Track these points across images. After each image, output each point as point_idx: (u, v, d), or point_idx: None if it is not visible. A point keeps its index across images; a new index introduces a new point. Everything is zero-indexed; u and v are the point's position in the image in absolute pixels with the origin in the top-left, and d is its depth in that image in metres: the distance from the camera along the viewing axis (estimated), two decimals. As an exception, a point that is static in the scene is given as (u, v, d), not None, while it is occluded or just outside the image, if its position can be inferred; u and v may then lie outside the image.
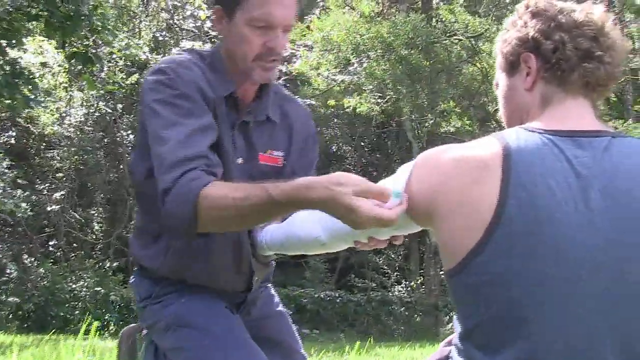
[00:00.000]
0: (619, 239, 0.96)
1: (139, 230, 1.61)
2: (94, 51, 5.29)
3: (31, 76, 5.24)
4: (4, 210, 6.69)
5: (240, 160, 1.50)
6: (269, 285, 1.77)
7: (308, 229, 1.31)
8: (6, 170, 7.33)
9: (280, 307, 1.74)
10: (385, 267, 14.81)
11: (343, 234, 1.23)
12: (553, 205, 0.96)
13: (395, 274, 14.90)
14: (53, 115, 13.00)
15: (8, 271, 12.19)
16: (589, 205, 0.97)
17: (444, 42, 10.07)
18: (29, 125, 13.53)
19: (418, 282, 14.41)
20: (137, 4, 13.01)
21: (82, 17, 4.93)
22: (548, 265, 0.95)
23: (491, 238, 0.96)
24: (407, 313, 13.46)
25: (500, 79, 1.20)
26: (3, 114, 12.83)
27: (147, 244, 1.55)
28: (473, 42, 10.65)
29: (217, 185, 1.28)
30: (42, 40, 9.36)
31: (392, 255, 14.86)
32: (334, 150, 15.99)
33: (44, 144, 14.39)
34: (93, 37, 5.18)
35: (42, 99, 5.42)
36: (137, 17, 13.50)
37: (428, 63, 9.70)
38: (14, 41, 5.04)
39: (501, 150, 0.99)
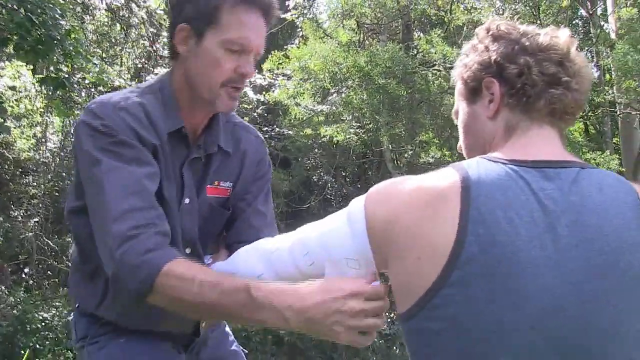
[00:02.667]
0: (586, 282, 0.86)
1: (74, 266, 1.49)
2: (66, 76, 5.19)
3: (0, 101, 5.11)
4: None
5: (187, 201, 1.40)
6: (223, 323, 1.65)
7: (250, 267, 1.20)
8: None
9: (235, 347, 1.63)
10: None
11: (292, 277, 1.11)
12: (516, 243, 0.86)
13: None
14: (29, 140, 12.83)
15: (-24, 300, 11.80)
16: (557, 244, 0.87)
17: (422, 72, 10.11)
18: (4, 151, 13.29)
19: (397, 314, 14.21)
20: (117, 31, 12.97)
21: (55, 42, 4.84)
22: (507, 311, 0.84)
23: (447, 280, 0.85)
24: (386, 345, 13.24)
25: (460, 107, 1.12)
26: (-22, 140, 12.60)
27: (82, 281, 1.43)
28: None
29: (183, 265, 1.15)
30: (20, 65, 9.24)
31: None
32: (315, 180, 15.90)
33: (20, 170, 14.11)
34: (65, 63, 5.07)
35: (11, 124, 5.28)
36: (119, 44, 13.45)
37: (406, 92, 9.72)
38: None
39: (460, 181, 0.90)
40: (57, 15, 4.78)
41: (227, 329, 1.65)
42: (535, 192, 0.90)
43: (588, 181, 0.93)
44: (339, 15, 10.89)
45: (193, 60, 1.36)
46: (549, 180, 0.92)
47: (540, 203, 0.89)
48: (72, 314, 1.52)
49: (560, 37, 1.04)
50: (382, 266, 0.99)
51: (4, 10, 4.81)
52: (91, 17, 11.54)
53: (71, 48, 4.82)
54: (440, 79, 11.06)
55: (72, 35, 4.99)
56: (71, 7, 7.65)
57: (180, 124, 1.37)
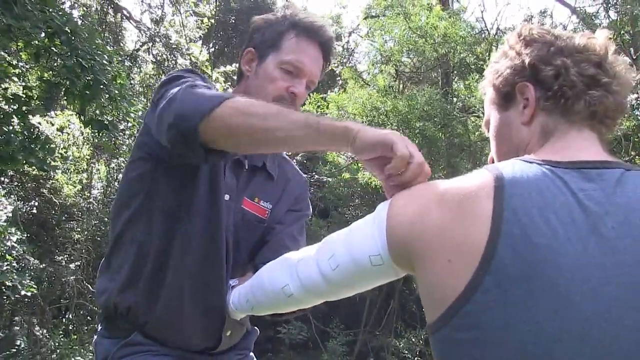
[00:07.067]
0: (637, 287, 0.79)
1: (107, 266, 1.49)
2: (110, 119, 5.36)
3: (48, 143, 5.29)
4: (9, 287, 6.46)
5: (227, 197, 1.42)
6: (250, 353, 1.61)
7: (275, 278, 1.16)
8: (15, 245, 7.14)
9: None
10: (406, 352, 14.19)
11: (317, 286, 1.06)
12: (555, 245, 0.79)
13: (416, 359, 14.25)
14: (75, 187, 13.24)
15: (18, 342, 11.96)
16: (602, 246, 0.80)
17: (462, 118, 10.05)
18: (52, 196, 13.69)
19: (439, 368, 13.72)
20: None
21: (101, 86, 5.02)
22: (548, 319, 0.76)
23: (480, 284, 0.78)
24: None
25: (491, 116, 1.06)
26: (29, 185, 13.03)
27: (113, 276, 1.43)
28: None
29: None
30: (71, 115, 9.65)
31: (413, 339, 14.30)
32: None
33: (65, 215, 14.47)
34: (110, 106, 5.25)
35: (58, 164, 5.43)
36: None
37: (444, 136, 9.64)
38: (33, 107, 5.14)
39: (493, 180, 0.85)
40: (104, 62, 4.98)
41: (252, 354, 1.61)
42: (575, 192, 0.84)
43: (634, 182, 0.87)
44: (378, 63, 11.01)
45: (253, 79, 1.49)
46: (589, 181, 0.86)
47: (581, 204, 0.83)
48: (94, 336, 1.51)
49: (598, 38, 0.99)
50: (404, 267, 0.94)
51: (59, 59, 5.04)
52: (138, 69, 11.99)
53: (116, 92, 4.98)
54: (480, 129, 10.95)
55: (118, 81, 5.18)
56: (119, 57, 7.97)
57: None
